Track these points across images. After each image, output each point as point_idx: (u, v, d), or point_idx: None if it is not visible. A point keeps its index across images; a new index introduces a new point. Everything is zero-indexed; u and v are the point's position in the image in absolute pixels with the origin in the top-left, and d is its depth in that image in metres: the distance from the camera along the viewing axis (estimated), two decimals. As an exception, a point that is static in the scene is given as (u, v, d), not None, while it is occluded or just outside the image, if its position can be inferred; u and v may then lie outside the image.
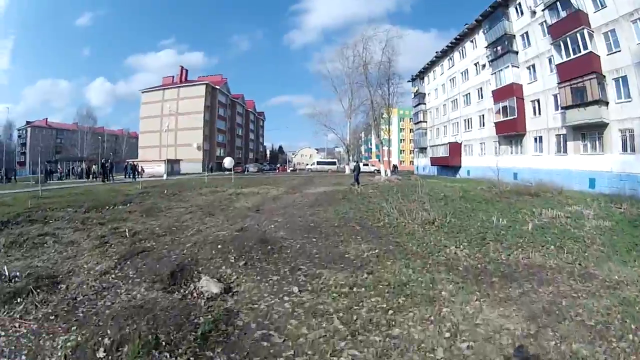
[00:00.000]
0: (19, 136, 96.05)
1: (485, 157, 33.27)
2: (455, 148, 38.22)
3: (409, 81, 52.17)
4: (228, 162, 31.10)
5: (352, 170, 28.08)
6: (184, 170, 55.76)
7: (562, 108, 23.96)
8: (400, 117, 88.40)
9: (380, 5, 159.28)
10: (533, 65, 27.63)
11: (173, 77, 72.71)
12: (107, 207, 12.50)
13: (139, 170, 44.32)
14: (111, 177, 30.43)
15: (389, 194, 15.01)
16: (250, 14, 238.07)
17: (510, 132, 29.11)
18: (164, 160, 51.07)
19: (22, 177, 46.74)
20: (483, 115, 34.13)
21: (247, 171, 59.81)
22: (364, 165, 62.29)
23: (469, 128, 37.00)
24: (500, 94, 30.03)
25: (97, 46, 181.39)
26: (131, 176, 33.54)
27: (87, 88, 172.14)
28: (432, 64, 47.42)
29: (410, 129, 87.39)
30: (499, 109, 30.14)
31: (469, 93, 36.86)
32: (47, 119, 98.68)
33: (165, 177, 35.01)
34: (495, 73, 30.81)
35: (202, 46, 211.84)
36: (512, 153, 29.74)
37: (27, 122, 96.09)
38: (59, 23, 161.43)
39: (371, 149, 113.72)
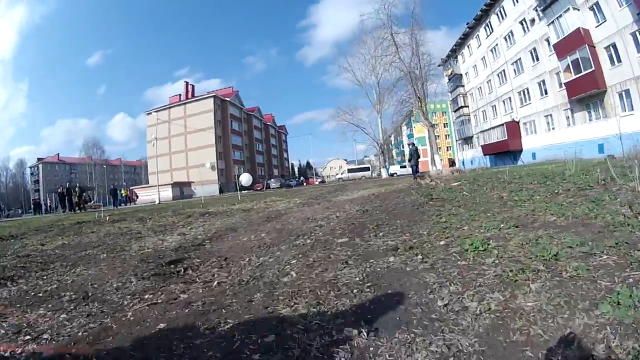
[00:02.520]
0: (32, 174, 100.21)
1: (555, 132, 27.47)
2: (513, 128, 32.36)
3: (439, 65, 46.69)
4: (245, 179, 27.16)
5: (408, 160, 21.45)
6: (199, 194, 52.06)
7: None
8: (431, 112, 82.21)
9: (385, 11, 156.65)
10: (597, 4, 22.38)
11: (180, 95, 70.06)
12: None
13: (131, 196, 41.81)
14: (77, 206, 26.46)
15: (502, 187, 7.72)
16: (259, 34, 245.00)
17: (589, 91, 23.13)
18: (170, 184, 48.47)
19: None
20: (543, 81, 28.35)
21: (269, 187, 55.24)
22: (401, 167, 57.11)
23: (526, 101, 31.09)
24: (565, 46, 24.27)
25: (113, 83, 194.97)
26: (113, 203, 30.11)
27: (108, 124, 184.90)
28: (464, 38, 42.26)
29: (444, 124, 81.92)
30: (568, 65, 24.39)
31: (520, 58, 31.23)
32: (58, 154, 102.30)
33: (157, 202, 31.38)
34: (552, 22, 25.25)
35: (217, 72, 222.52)
36: (591, 120, 24.04)
37: (38, 159, 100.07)
38: (69, 64, 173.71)
39: (403, 151, 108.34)
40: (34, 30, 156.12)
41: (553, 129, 27.97)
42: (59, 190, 27.83)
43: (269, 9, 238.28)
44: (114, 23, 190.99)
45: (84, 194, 35.29)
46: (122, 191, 41.41)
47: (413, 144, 20.49)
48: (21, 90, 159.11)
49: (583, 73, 23.17)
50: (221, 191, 51.65)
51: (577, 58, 23.43)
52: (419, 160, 18.56)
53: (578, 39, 23.19)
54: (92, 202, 36.02)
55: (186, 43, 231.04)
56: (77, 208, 25.99)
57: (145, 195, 46.07)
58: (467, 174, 19.36)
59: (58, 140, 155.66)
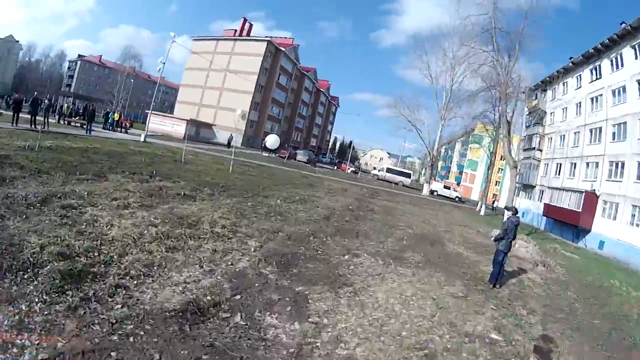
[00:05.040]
0: (69, 68, 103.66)
1: (642, 229, 23.64)
2: (590, 201, 28.13)
3: (522, 92, 42.21)
4: (271, 141, 24.76)
5: (494, 238, 10.37)
6: (221, 139, 50.46)
7: None
8: (492, 140, 75.47)
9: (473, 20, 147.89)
10: None
11: (235, 30, 67.17)
12: None
13: (123, 122, 38.28)
14: (42, 122, 22.69)
15: None
16: (340, 1, 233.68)
17: None
18: (185, 120, 45.29)
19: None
20: (650, 162, 24.27)
21: (294, 158, 51.53)
22: (444, 187, 53.87)
23: (617, 176, 26.92)
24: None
25: (185, 3, 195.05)
26: (87, 127, 26.52)
27: (170, 42, 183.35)
28: (563, 73, 37.35)
29: (501, 157, 76.43)
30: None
31: (625, 122, 26.83)
32: (101, 56, 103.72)
33: (142, 138, 28.15)
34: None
35: (290, 26, 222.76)
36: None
37: (79, 56, 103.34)
38: None
39: (449, 167, 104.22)
40: None
41: (638, 225, 23.96)
42: (16, 97, 24.06)
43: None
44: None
45: (60, 107, 33.41)
46: (115, 114, 37.49)
47: (516, 211, 10.26)
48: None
49: None
50: (228, 144, 45.25)
51: None
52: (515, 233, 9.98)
53: None
54: (77, 117, 32.59)
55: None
56: (39, 124, 22.05)
57: (159, 124, 43.80)
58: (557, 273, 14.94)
59: (117, 43, 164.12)
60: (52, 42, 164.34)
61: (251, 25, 67.25)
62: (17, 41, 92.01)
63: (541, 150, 39.90)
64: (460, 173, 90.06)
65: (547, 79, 40.17)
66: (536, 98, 41.64)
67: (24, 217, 6.36)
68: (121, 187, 10.12)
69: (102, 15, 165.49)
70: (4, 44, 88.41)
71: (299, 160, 51.15)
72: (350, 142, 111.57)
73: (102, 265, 5.28)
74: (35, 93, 26.23)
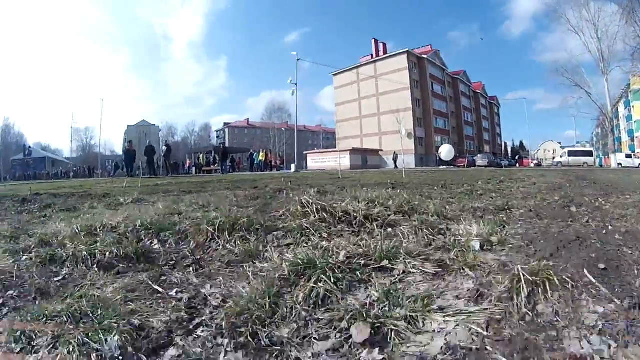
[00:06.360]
0: (218, 137, 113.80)
1: None
2: None
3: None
4: (446, 151, 22.91)
5: None
6: (391, 165, 48.48)
7: None
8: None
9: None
10: None
11: (372, 55, 66.84)
12: None
13: (271, 161, 40.56)
14: (165, 170, 23.92)
15: None
16: (458, 8, 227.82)
17: None
18: (348, 151, 44.35)
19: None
20: None
21: (474, 165, 48.34)
22: (626, 157, 48.20)
23: None
24: None
25: (315, 56, 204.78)
26: (221, 167, 26.26)
27: (319, 95, 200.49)
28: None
29: None
30: None
31: None
32: (248, 119, 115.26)
33: (293, 169, 28.36)
34: None
35: (424, 44, 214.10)
36: None
37: (225, 124, 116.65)
38: (264, 43, 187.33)
39: (619, 137, 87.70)
40: (221, 16, 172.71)
41: None
42: (127, 146, 21.95)
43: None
44: (307, 6, 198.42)
45: (197, 159, 35.07)
46: (260, 154, 39.07)
47: None
48: (219, 66, 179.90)
49: None
50: (394, 162, 44.48)
51: None
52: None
53: None
54: (215, 165, 33.12)
55: (390, 16, 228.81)
56: (160, 172, 22.78)
57: (320, 162, 44.71)
58: None
59: (262, 110, 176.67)
60: (194, 119, 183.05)
61: (385, 44, 67.17)
62: (154, 124, 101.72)
63: None
64: (632, 140, 77.94)
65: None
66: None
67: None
68: (213, 195, 6.29)
69: (238, 89, 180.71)
70: (139, 129, 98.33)
71: (479, 166, 47.83)
72: (521, 142, 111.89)
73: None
74: (149, 141, 25.33)
